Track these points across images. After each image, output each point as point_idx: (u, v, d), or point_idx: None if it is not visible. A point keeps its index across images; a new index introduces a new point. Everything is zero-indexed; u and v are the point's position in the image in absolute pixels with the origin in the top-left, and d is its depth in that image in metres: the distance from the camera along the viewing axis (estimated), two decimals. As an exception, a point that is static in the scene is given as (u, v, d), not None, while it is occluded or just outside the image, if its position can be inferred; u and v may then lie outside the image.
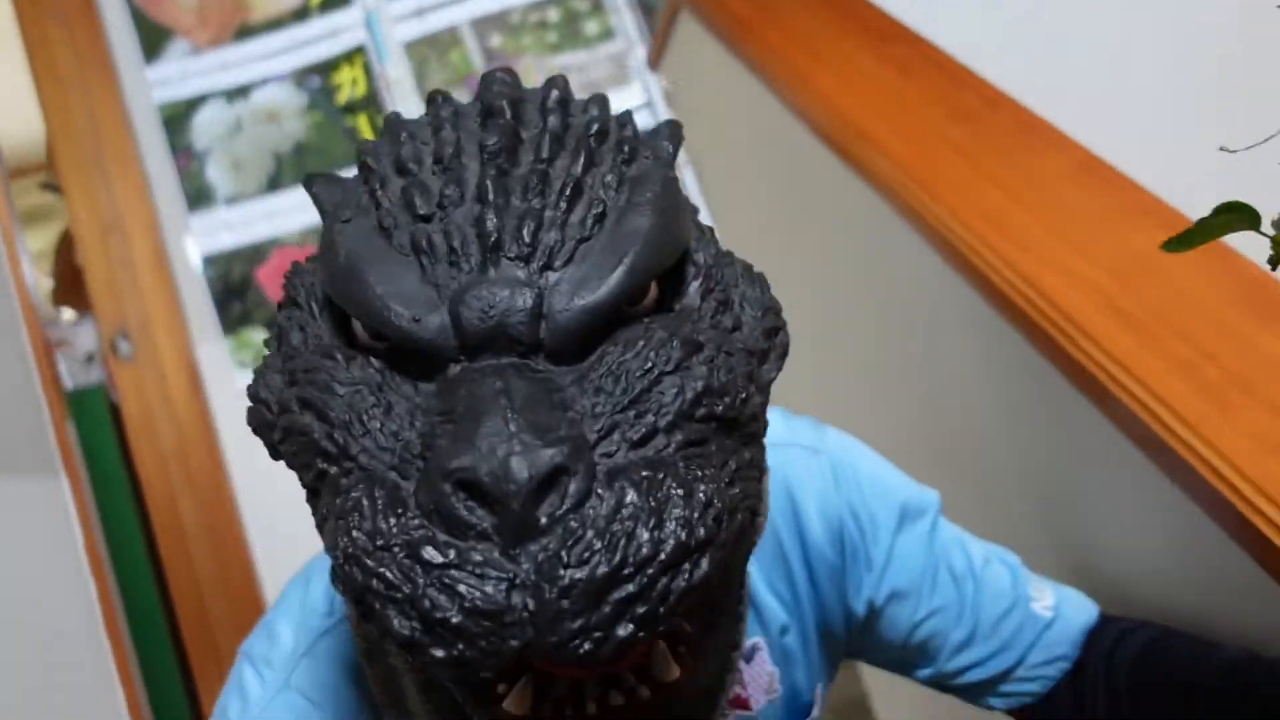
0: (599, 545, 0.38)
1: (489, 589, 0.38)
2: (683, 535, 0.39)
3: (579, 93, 0.54)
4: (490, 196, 0.47)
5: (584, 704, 0.43)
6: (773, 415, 0.63)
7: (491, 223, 0.46)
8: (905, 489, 0.79)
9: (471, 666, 0.38)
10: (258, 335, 2.31)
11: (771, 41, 1.31)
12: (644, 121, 2.44)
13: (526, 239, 0.46)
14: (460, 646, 0.38)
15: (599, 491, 0.40)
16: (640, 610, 0.38)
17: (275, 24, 2.42)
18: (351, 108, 2.40)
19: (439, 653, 0.38)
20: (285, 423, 0.49)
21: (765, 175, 1.50)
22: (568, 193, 0.48)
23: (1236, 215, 0.48)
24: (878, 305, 1.26)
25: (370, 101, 2.41)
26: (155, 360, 2.26)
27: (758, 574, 0.72)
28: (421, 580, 0.39)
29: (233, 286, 2.33)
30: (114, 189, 2.28)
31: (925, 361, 1.16)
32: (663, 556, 0.38)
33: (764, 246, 1.55)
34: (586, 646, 0.38)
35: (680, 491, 0.40)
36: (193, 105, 2.38)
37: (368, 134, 2.39)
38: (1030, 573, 0.85)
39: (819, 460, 0.76)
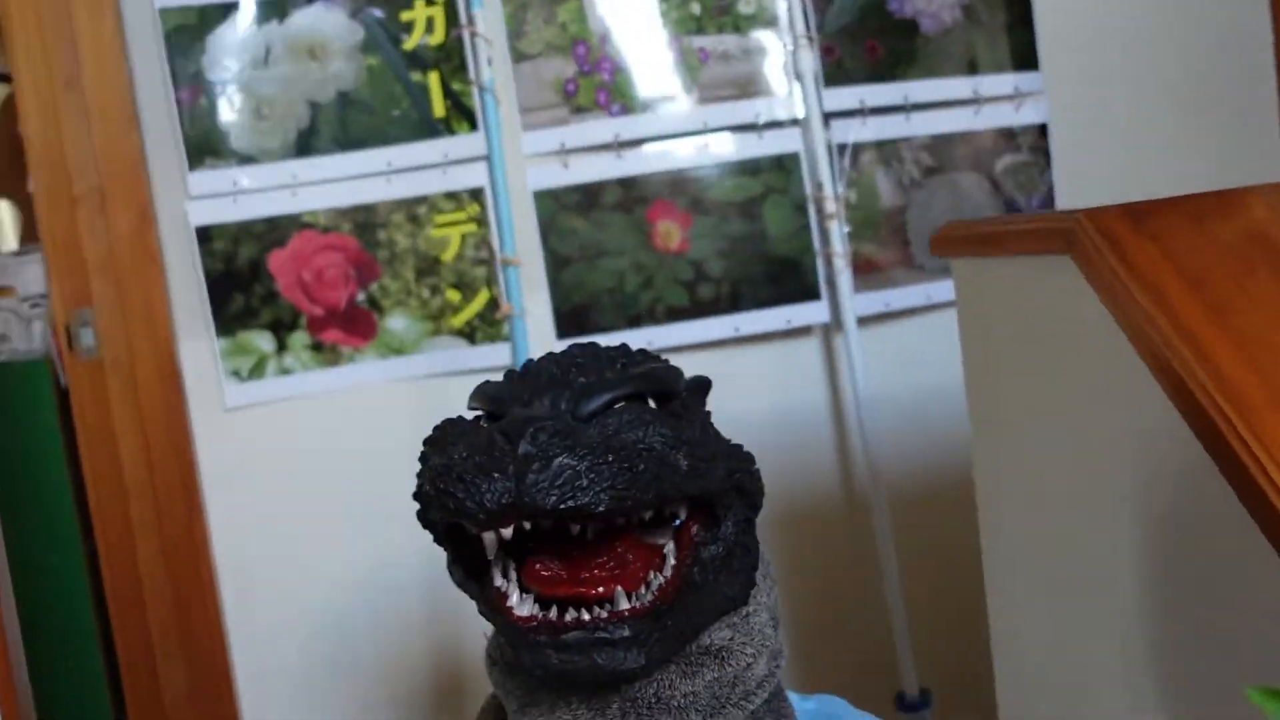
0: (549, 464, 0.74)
1: (497, 472, 0.73)
2: (581, 472, 0.73)
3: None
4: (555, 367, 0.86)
5: (563, 615, 0.78)
6: None
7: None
8: None
9: (483, 507, 0.73)
10: (261, 341, 1.79)
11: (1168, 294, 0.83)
12: (786, 143, 1.90)
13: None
14: (478, 497, 0.73)
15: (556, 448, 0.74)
16: (560, 491, 0.72)
17: (334, -79, 1.78)
18: (420, 59, 1.81)
19: (469, 501, 0.73)
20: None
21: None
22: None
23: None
24: None
25: (448, 56, 1.81)
26: (124, 361, 1.73)
27: None
28: (469, 473, 0.74)
29: (236, 273, 1.78)
30: (90, 123, 1.69)
31: None
32: (576, 480, 0.73)
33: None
34: (535, 498, 0.72)
35: (590, 460, 0.74)
36: (209, 17, 1.75)
37: (437, 98, 1.81)
38: None
39: None
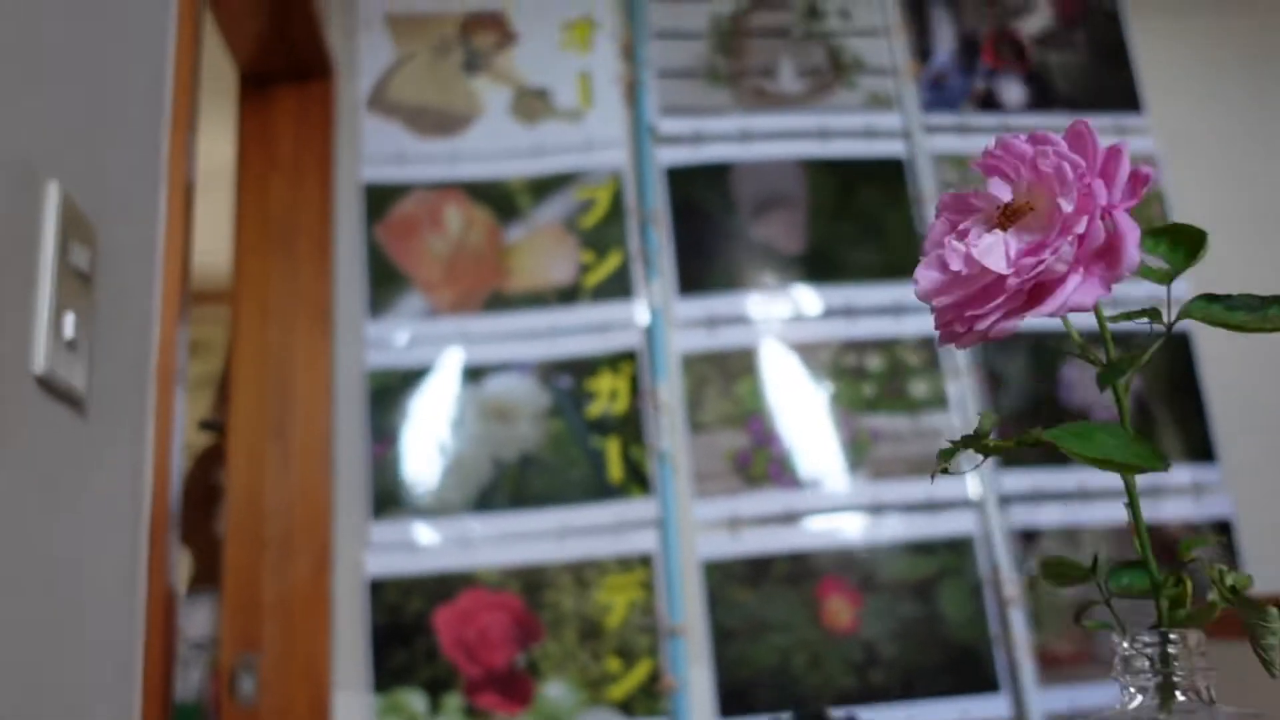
0: None
1: None
2: None
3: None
4: None
5: None
6: None
7: None
8: None
9: None
10: (415, 700, 1.74)
11: None
12: (961, 525, 1.87)
13: None
14: None
15: None
16: None
17: (535, 299, 1.93)
18: (603, 427, 1.88)
19: None
20: None
21: None
22: None
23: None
24: None
25: (627, 425, 1.88)
26: (279, 710, 1.69)
27: None
28: None
29: (402, 626, 1.77)
30: (290, 470, 1.77)
31: None
32: None
33: None
34: None
35: None
36: (410, 380, 1.87)
37: (614, 463, 1.85)
38: None
39: None
